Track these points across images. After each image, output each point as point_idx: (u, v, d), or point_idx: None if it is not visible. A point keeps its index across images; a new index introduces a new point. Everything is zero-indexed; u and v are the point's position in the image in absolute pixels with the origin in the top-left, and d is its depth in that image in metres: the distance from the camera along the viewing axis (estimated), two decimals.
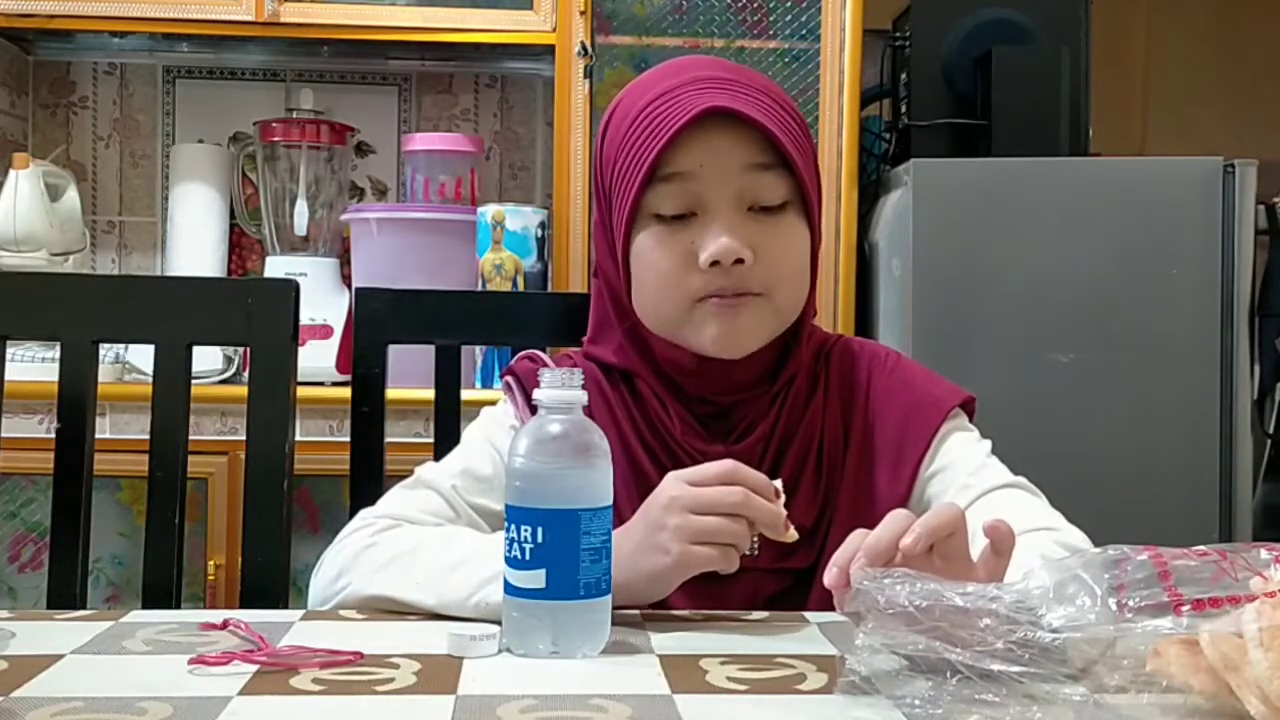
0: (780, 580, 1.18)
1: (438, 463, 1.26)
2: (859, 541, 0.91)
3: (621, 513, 1.15)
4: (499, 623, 0.97)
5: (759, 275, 1.16)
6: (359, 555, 1.14)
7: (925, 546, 0.90)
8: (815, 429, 1.21)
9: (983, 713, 0.78)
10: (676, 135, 1.14)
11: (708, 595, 1.13)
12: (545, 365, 1.23)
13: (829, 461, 1.21)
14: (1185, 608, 0.81)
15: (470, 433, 1.28)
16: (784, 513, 1.03)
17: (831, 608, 0.93)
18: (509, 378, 1.26)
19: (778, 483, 1.05)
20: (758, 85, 1.18)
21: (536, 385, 0.98)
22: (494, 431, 1.25)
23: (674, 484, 1.04)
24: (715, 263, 1.14)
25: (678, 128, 1.13)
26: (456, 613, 1.06)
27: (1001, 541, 0.93)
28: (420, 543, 1.13)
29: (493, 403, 1.30)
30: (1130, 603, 0.82)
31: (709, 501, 1.02)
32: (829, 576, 0.91)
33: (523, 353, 1.29)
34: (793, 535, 1.04)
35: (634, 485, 1.18)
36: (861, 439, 1.22)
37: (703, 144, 1.15)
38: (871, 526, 0.92)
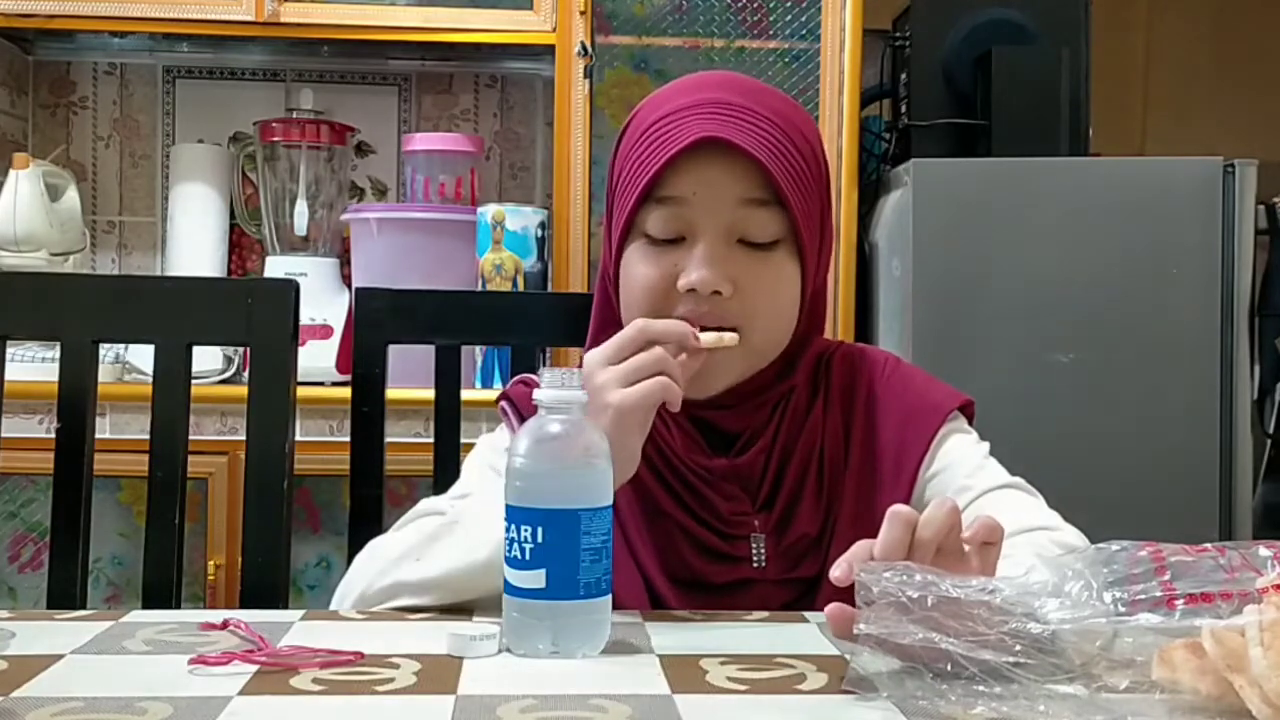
0: (788, 591, 1.18)
1: (438, 496, 1.26)
2: (866, 550, 0.90)
3: (624, 527, 1.16)
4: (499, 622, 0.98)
5: (737, 308, 1.15)
6: (375, 556, 1.15)
7: (931, 558, 0.90)
8: (816, 438, 1.21)
9: (988, 705, 0.78)
10: (674, 159, 1.13)
11: (715, 606, 1.13)
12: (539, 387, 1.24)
13: (830, 469, 1.21)
14: (1179, 602, 0.81)
15: (469, 462, 1.28)
16: (688, 327, 1.10)
17: None
18: (504, 402, 1.25)
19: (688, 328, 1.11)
20: (770, 114, 1.15)
21: (531, 409, 0.98)
22: (492, 457, 1.24)
23: (592, 363, 1.09)
24: (692, 290, 1.14)
25: (671, 154, 1.13)
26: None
27: (989, 534, 0.93)
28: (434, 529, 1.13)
29: (491, 403, 1.30)
30: (1125, 596, 0.82)
31: (617, 352, 1.08)
32: (837, 570, 0.89)
33: (517, 377, 1.28)
34: (717, 340, 1.10)
35: (636, 500, 1.18)
36: (862, 445, 1.22)
37: (698, 172, 1.14)
38: (873, 534, 0.91)
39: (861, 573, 0.85)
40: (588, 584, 0.95)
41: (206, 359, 2.45)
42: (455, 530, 1.09)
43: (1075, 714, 0.77)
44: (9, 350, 1.45)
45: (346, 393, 1.50)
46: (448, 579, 1.07)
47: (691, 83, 1.19)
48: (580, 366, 1.07)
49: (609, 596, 0.97)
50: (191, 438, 1.41)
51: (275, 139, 2.75)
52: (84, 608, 1.38)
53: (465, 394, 1.51)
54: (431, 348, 1.51)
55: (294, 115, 2.80)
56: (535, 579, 0.94)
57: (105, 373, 2.43)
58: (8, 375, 1.44)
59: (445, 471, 1.44)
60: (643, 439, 1.08)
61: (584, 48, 2.56)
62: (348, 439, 1.47)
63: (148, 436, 1.39)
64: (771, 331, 1.18)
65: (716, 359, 1.14)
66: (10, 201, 2.53)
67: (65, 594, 1.37)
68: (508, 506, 0.96)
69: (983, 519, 0.93)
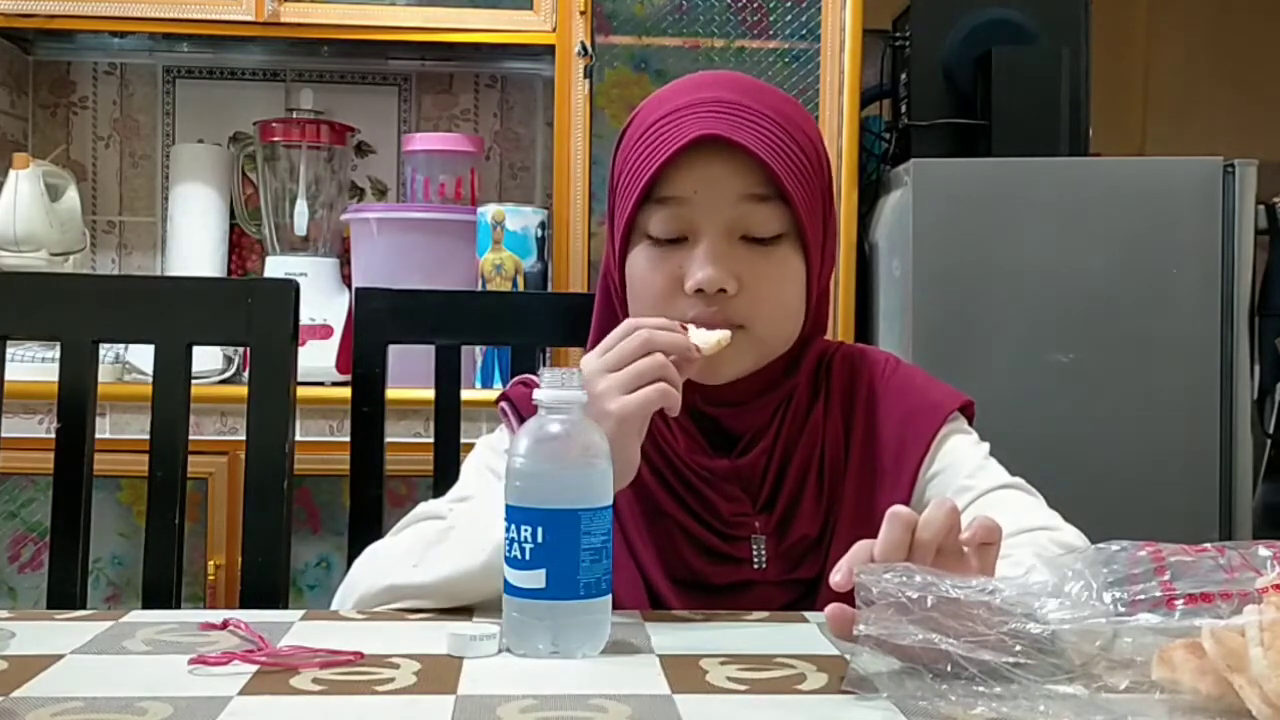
0: (788, 592, 1.18)
1: (436, 499, 1.26)
2: (865, 552, 0.90)
3: (624, 527, 1.16)
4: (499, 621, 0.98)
5: (743, 305, 1.15)
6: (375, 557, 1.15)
7: (931, 558, 0.90)
8: (817, 439, 1.21)
9: (988, 705, 0.78)
10: (674, 158, 1.13)
11: (715, 606, 1.13)
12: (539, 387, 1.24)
13: (831, 471, 1.21)
14: (1179, 602, 0.81)
15: (468, 464, 1.28)
16: (689, 339, 1.09)
17: None
18: (504, 403, 1.25)
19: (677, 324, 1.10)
20: (769, 111, 1.15)
21: (531, 410, 0.98)
22: (491, 458, 1.24)
23: (591, 369, 1.07)
24: (699, 290, 1.14)
25: (671, 153, 1.13)
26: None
27: (988, 535, 0.93)
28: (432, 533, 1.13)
29: (491, 403, 1.29)
30: (1125, 597, 0.82)
31: (618, 360, 1.06)
32: (837, 575, 0.90)
33: (517, 377, 1.28)
34: (712, 341, 1.09)
35: (637, 500, 1.18)
36: (862, 446, 1.22)
37: (699, 170, 1.14)
38: (873, 535, 0.91)
39: (861, 574, 0.85)
40: (588, 584, 0.95)
41: (206, 359, 2.44)
42: (452, 535, 1.09)
43: (1075, 714, 0.77)
44: (9, 350, 1.45)
45: (346, 393, 1.50)
46: (445, 584, 1.07)
47: (691, 82, 1.19)
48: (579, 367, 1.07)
49: (609, 596, 0.97)
50: (191, 438, 1.41)
51: (275, 139, 2.75)
52: (84, 608, 1.38)
53: (465, 394, 1.51)
54: (431, 348, 1.51)
55: (294, 115, 2.80)
56: (535, 579, 0.94)
57: (105, 373, 2.43)
58: (8, 375, 1.44)
59: (445, 472, 1.44)
60: (640, 442, 1.08)
61: (584, 48, 2.56)
62: (348, 439, 1.47)
63: (148, 436, 1.39)
64: (779, 325, 1.18)
65: (727, 349, 1.14)
66: (10, 201, 2.53)
67: (65, 594, 1.37)
68: (508, 506, 0.96)
69: (981, 519, 0.93)
